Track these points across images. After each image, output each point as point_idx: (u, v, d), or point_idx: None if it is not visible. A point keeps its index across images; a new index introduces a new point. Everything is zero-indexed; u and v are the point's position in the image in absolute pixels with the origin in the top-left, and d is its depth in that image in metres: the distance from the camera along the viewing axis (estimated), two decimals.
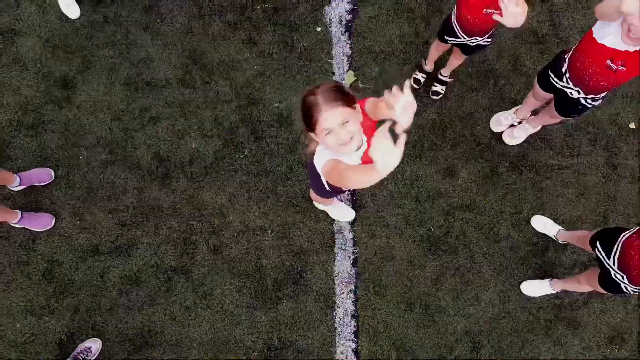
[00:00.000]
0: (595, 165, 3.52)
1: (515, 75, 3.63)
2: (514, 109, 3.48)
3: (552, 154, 3.54)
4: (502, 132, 3.55)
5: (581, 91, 2.61)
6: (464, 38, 2.82)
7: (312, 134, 1.85)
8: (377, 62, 3.65)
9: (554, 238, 3.37)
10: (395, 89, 1.60)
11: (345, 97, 1.79)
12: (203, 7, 3.72)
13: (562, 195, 3.48)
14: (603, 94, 2.61)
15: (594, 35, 2.38)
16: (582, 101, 2.67)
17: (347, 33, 3.71)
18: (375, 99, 1.90)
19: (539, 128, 3.47)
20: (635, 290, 2.40)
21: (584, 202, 3.47)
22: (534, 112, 3.41)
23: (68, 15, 3.70)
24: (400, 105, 1.57)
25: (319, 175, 2.05)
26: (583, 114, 2.85)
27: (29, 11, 3.71)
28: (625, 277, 2.37)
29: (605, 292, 2.63)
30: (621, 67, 2.34)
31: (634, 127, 3.57)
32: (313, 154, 1.97)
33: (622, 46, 2.29)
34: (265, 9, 3.72)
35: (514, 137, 3.51)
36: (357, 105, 1.85)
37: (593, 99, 2.65)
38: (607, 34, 2.32)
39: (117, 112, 3.56)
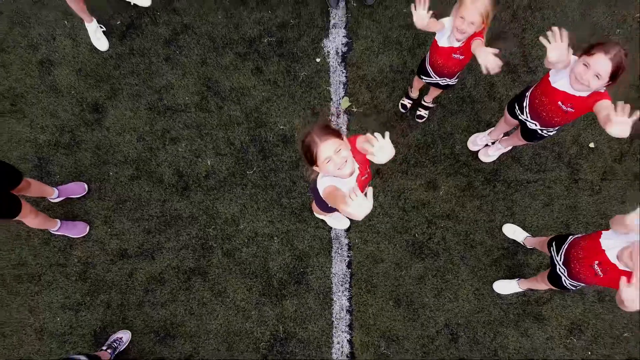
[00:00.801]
0: (559, 180, 4.03)
1: (490, 101, 4.14)
2: (488, 131, 3.98)
3: (522, 170, 4.05)
4: (478, 151, 4.06)
5: (537, 124, 3.12)
6: (436, 78, 3.35)
7: (314, 167, 2.36)
8: (369, 89, 4.16)
9: (522, 243, 3.88)
10: (376, 134, 2.12)
11: (333, 131, 2.30)
12: (216, 41, 4.23)
13: (530, 206, 3.99)
14: (557, 127, 3.13)
15: (549, 79, 2.89)
16: (539, 131, 3.18)
17: (343, 63, 4.22)
18: (363, 136, 2.42)
19: (509, 148, 3.97)
20: (573, 284, 2.91)
21: (549, 212, 3.98)
22: (506, 134, 3.91)
23: (98, 47, 4.22)
24: (376, 147, 2.09)
25: (320, 196, 2.57)
26: (543, 139, 3.36)
27: (64, 44, 4.23)
28: (566, 271, 2.89)
29: (552, 287, 3.14)
30: (570, 109, 2.84)
31: (593, 146, 4.08)
32: (315, 179, 2.49)
33: (571, 91, 2.78)
34: (271, 42, 4.24)
35: (488, 156, 4.02)
36: (343, 136, 2.36)
37: (548, 130, 3.16)
38: (560, 79, 2.82)
39: (141, 133, 4.08)
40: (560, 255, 2.95)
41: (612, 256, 2.61)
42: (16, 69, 4.17)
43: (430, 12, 2.73)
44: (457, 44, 3.00)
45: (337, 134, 2.31)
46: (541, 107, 3.01)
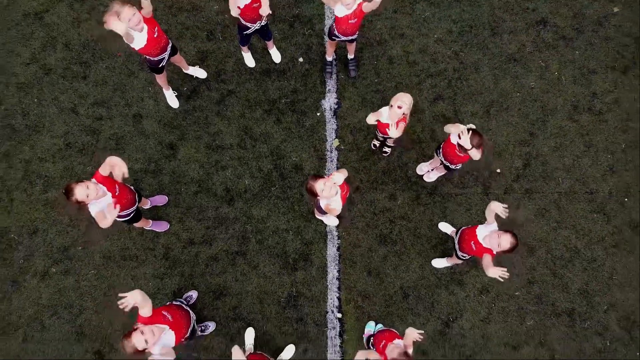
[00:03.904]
0: (476, 194, 6.12)
1: (431, 142, 6.24)
2: (430, 161, 6.08)
3: (452, 187, 6.15)
4: (423, 175, 6.16)
5: (447, 162, 5.24)
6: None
7: (316, 198, 4.48)
8: (352, 134, 6.28)
9: (451, 235, 5.96)
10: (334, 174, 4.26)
11: (320, 176, 4.41)
12: (250, 101, 6.36)
13: (457, 211, 6.08)
14: (459, 166, 5.24)
15: (450, 138, 5.01)
16: (449, 166, 5.30)
17: (334, 116, 6.34)
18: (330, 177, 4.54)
19: (444, 172, 6.07)
20: (463, 255, 5.02)
21: (469, 215, 6.07)
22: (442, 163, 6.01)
23: (172, 105, 6.34)
24: (337, 178, 4.24)
25: (321, 207, 4.68)
26: (455, 171, 5.47)
27: (149, 103, 6.35)
28: (458, 247, 5.00)
29: (457, 259, 5.25)
30: (462, 155, 4.95)
31: (499, 171, 6.19)
32: (317, 201, 4.61)
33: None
34: (287, 102, 6.37)
35: (430, 178, 6.12)
36: (329, 177, 4.47)
37: (455, 166, 5.28)
38: (454, 136, 4.94)
39: (202, 163, 6.19)
40: (457, 239, 5.07)
41: (481, 239, 4.70)
42: (117, 120, 6.29)
43: None
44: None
45: (322, 177, 4.43)
46: (446, 151, 5.15)
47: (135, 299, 4.06)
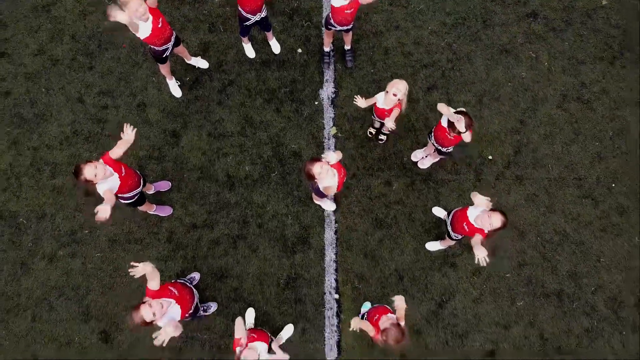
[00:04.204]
0: (468, 180, 6.34)
1: (425, 130, 6.46)
2: (424, 148, 6.31)
3: (445, 173, 6.37)
4: (417, 161, 6.38)
5: (438, 145, 5.47)
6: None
7: (314, 182, 4.71)
8: (349, 122, 6.51)
9: (444, 219, 6.18)
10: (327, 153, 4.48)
11: (318, 159, 4.63)
12: (251, 91, 6.58)
13: (449, 196, 6.30)
14: (450, 148, 5.46)
15: (441, 121, 5.23)
16: (441, 149, 5.53)
17: (332, 105, 6.57)
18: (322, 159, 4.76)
19: (438, 159, 6.29)
20: (455, 236, 5.24)
21: (462, 201, 6.28)
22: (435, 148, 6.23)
23: (175, 94, 6.56)
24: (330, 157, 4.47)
25: (319, 189, 4.90)
26: (448, 154, 5.69)
27: (152, 92, 6.58)
28: (451, 228, 5.23)
29: (450, 241, 5.47)
30: (452, 137, 5.18)
31: (491, 158, 6.41)
32: (315, 183, 4.83)
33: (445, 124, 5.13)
34: (286, 91, 6.59)
35: (424, 164, 6.34)
36: (322, 160, 4.69)
37: (447, 149, 5.50)
38: (444, 119, 5.16)
39: (204, 150, 6.41)
40: (449, 220, 5.30)
41: (472, 220, 4.92)
42: (122, 109, 6.52)
43: None
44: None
45: (319, 160, 4.65)
46: (437, 135, 5.37)
47: (145, 270, 4.30)
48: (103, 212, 4.49)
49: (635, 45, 6.53)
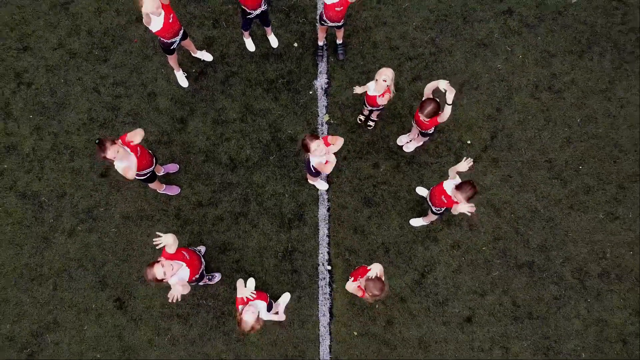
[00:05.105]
0: (449, 163, 6.95)
1: (409, 117, 7.09)
2: (408, 134, 6.93)
3: (428, 156, 7.00)
4: (402, 145, 7.01)
5: (420, 129, 6.09)
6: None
7: (308, 153, 5.33)
8: (340, 109, 7.13)
9: (426, 197, 6.81)
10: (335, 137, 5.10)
11: (316, 136, 5.26)
12: (251, 81, 7.20)
13: (431, 177, 6.93)
14: (431, 130, 6.08)
15: (418, 111, 5.83)
16: (423, 132, 6.15)
17: (325, 94, 7.19)
18: (329, 137, 5.38)
19: (421, 143, 6.91)
20: (437, 209, 5.87)
21: (442, 180, 6.91)
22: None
23: (182, 85, 7.18)
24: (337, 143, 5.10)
25: (311, 167, 5.53)
26: (430, 136, 6.30)
27: (161, 83, 7.20)
28: (431, 203, 5.86)
29: (432, 216, 6.11)
30: (426, 122, 5.78)
31: (470, 142, 7.03)
32: (308, 158, 5.46)
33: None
34: (283, 82, 7.22)
35: (409, 148, 6.97)
36: (320, 138, 5.32)
37: (428, 131, 6.12)
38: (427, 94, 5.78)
39: (209, 135, 7.04)
40: (429, 196, 5.94)
41: (449, 192, 5.54)
42: (134, 98, 7.14)
43: None
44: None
45: (317, 137, 5.28)
46: (417, 120, 5.96)
47: (167, 241, 4.98)
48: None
49: (601, 39, 7.14)
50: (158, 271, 4.87)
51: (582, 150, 6.96)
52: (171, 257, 5.09)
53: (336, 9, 6.03)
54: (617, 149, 6.91)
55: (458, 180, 5.51)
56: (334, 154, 5.48)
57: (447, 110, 5.50)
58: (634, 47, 7.10)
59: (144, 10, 5.30)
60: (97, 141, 5.13)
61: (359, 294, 5.26)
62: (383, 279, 5.05)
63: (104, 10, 7.31)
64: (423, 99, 5.64)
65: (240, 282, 5.31)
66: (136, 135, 5.38)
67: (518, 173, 6.92)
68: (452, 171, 5.51)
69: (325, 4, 6.06)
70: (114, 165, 5.42)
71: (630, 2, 7.17)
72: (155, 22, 5.64)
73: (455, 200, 5.43)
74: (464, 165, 5.39)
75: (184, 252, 5.30)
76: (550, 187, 6.88)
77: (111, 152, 5.12)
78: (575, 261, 6.71)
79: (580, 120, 7.03)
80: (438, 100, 5.57)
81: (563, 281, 6.66)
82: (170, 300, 5.15)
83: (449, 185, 5.55)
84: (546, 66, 7.15)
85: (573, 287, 6.65)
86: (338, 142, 5.44)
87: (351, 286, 5.29)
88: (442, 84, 5.42)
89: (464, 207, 5.32)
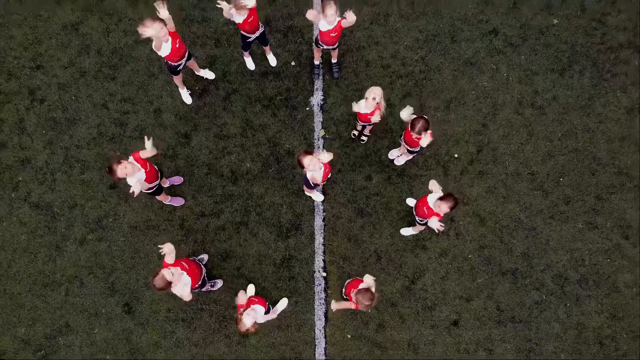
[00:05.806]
0: (437, 175, 7.37)
1: (401, 132, 7.49)
2: (398, 148, 7.35)
3: (417, 169, 7.42)
4: (394, 159, 7.43)
5: (407, 146, 6.52)
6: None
7: (304, 169, 5.76)
8: (335, 125, 7.56)
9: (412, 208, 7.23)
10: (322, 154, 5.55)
11: (310, 152, 5.70)
12: (251, 98, 7.63)
13: (421, 188, 7.34)
14: (418, 148, 6.51)
15: (408, 128, 6.26)
16: (410, 149, 6.58)
17: (321, 110, 7.62)
18: (316, 154, 5.82)
19: (411, 157, 7.33)
20: (418, 220, 6.30)
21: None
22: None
23: (186, 101, 7.61)
24: (323, 157, 5.54)
25: (308, 180, 5.97)
26: (418, 153, 6.73)
27: (167, 100, 7.63)
28: (415, 213, 6.29)
29: (418, 226, 6.54)
30: (417, 139, 6.21)
31: (457, 156, 7.45)
32: (305, 173, 5.89)
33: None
34: (281, 98, 7.64)
35: (399, 161, 7.39)
36: (314, 154, 5.74)
37: (415, 149, 6.55)
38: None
39: (211, 149, 7.47)
40: (414, 208, 6.37)
41: (431, 204, 5.97)
42: (141, 114, 7.57)
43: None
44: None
45: (311, 153, 5.71)
46: (406, 138, 6.39)
47: (169, 249, 5.41)
48: (135, 187, 5.75)
49: (581, 58, 7.56)
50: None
51: (562, 163, 7.38)
52: (170, 266, 5.52)
53: (331, 34, 6.45)
54: (596, 162, 7.34)
55: (441, 193, 5.94)
56: (329, 164, 5.95)
57: (424, 141, 5.96)
58: (612, 66, 7.53)
59: (149, 35, 5.70)
60: (107, 169, 5.62)
61: (352, 306, 5.68)
62: (373, 290, 5.48)
63: (112, 31, 7.74)
64: (413, 118, 6.02)
65: (241, 293, 5.77)
66: (147, 153, 5.88)
67: (502, 185, 7.35)
68: (434, 186, 5.95)
69: (320, 31, 6.48)
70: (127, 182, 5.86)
71: (609, 23, 7.59)
72: (164, 48, 6.07)
73: (436, 211, 5.85)
74: (437, 186, 5.89)
75: (182, 262, 5.74)
76: (533, 198, 7.30)
77: (120, 171, 5.56)
78: (556, 268, 7.13)
79: (561, 134, 7.45)
80: (426, 116, 5.98)
81: (544, 287, 7.09)
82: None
83: (432, 198, 5.98)
84: (529, 83, 7.57)
85: (553, 293, 7.08)
86: (327, 157, 5.94)
87: (343, 304, 5.78)
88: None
89: (434, 223, 5.75)
